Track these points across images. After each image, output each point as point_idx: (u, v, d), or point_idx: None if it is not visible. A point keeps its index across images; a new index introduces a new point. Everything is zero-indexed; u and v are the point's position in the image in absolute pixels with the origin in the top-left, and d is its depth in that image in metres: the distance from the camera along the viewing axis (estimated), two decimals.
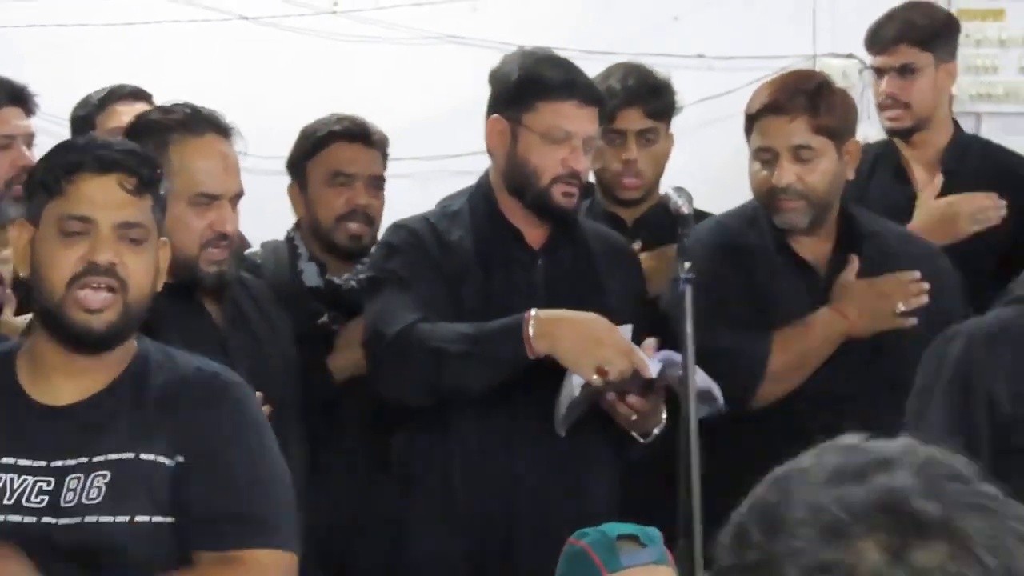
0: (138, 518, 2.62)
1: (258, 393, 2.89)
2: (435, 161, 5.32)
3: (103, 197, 2.64)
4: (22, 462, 2.63)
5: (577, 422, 3.40)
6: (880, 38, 4.26)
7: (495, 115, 3.56)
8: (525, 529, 3.43)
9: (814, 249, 3.64)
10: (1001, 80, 5.69)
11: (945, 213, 4.01)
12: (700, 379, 3.28)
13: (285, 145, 4.06)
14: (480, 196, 3.61)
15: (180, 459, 2.65)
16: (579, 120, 3.49)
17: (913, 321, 3.52)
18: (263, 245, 4.02)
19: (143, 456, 2.64)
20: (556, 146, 3.49)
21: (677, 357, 3.24)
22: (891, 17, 4.31)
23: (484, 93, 3.61)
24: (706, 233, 3.63)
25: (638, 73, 4.10)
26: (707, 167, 4.88)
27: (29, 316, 3.09)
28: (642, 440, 3.42)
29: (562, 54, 3.73)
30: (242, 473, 2.70)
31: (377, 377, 3.48)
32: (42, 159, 2.76)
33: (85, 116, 4.29)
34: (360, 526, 3.73)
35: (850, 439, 1.22)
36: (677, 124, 4.19)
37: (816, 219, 3.58)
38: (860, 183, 3.99)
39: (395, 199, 4.05)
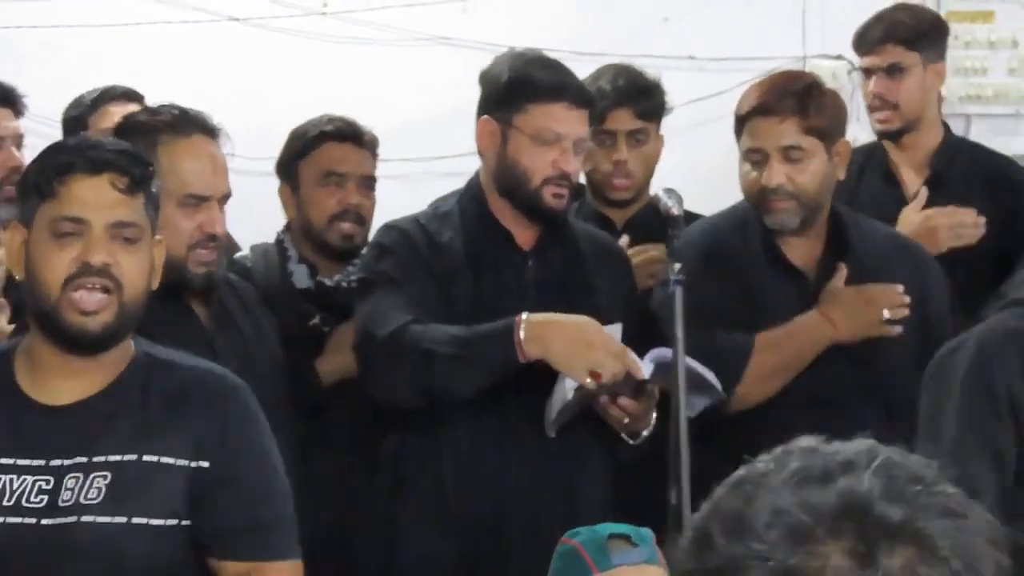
0: (135, 520, 2.62)
1: None
2: (425, 162, 5.32)
3: (95, 198, 2.64)
4: (21, 462, 2.63)
5: (567, 424, 3.41)
6: (868, 38, 4.27)
7: (485, 116, 3.56)
8: (516, 530, 3.43)
9: (803, 251, 3.64)
10: (990, 82, 5.70)
11: (923, 226, 4.01)
12: (697, 369, 3.28)
13: (275, 146, 4.06)
14: (470, 197, 3.62)
15: (204, 464, 2.66)
16: (569, 122, 3.49)
17: (898, 330, 3.52)
18: (252, 248, 4.01)
19: (146, 458, 2.64)
20: (546, 147, 3.49)
21: (668, 353, 3.24)
22: (879, 18, 4.32)
23: (474, 94, 3.61)
24: (696, 235, 3.64)
25: (628, 74, 4.11)
26: (697, 168, 4.89)
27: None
28: (631, 442, 3.43)
29: (553, 55, 3.73)
30: (261, 482, 2.73)
31: (368, 378, 3.48)
32: (34, 161, 2.75)
33: (77, 117, 4.29)
34: (352, 528, 3.73)
35: (808, 441, 1.21)
36: (667, 125, 4.19)
37: (806, 219, 3.59)
38: (849, 185, 4.00)
39: (385, 200, 4.05)
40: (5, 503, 2.61)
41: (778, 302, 3.61)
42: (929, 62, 4.25)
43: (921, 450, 2.94)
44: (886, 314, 3.53)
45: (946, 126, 4.40)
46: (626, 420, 3.37)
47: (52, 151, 2.75)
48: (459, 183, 3.74)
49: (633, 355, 3.30)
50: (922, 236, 3.97)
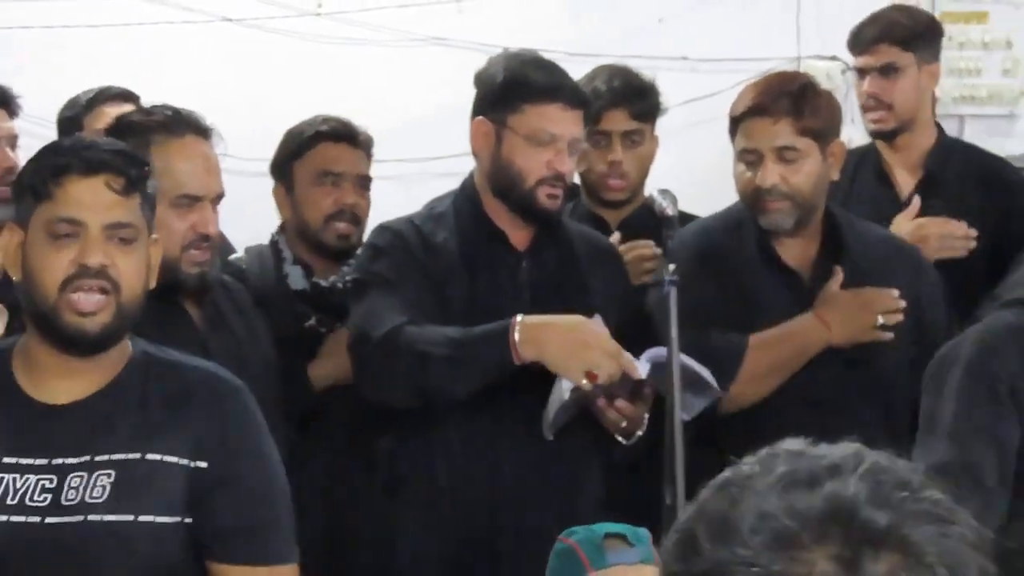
0: (142, 518, 2.62)
1: None
2: (420, 163, 5.32)
3: (91, 199, 2.64)
4: (24, 461, 2.63)
5: (565, 426, 3.41)
6: (862, 38, 4.27)
7: (480, 117, 3.56)
8: (511, 531, 3.43)
9: (799, 253, 3.64)
10: (984, 83, 5.70)
11: (915, 235, 4.00)
12: (694, 368, 3.28)
13: (269, 147, 4.06)
14: (465, 198, 3.61)
15: (203, 464, 2.66)
16: (564, 123, 3.49)
17: (890, 335, 3.52)
18: (247, 250, 4.01)
19: (149, 456, 2.65)
20: (541, 148, 3.49)
21: (664, 353, 3.24)
22: (874, 18, 4.32)
23: (469, 95, 3.61)
24: (690, 236, 3.63)
25: (623, 75, 4.11)
26: (692, 169, 4.89)
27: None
28: (625, 442, 3.43)
29: (547, 56, 3.73)
30: (260, 483, 2.74)
31: (363, 379, 3.48)
32: (29, 162, 2.75)
33: (73, 117, 4.29)
34: (347, 528, 3.73)
35: (794, 443, 1.21)
36: (662, 126, 4.19)
37: (801, 220, 3.59)
38: (843, 186, 4.00)
39: (379, 201, 4.05)
40: (9, 502, 2.61)
41: (773, 303, 3.61)
42: (923, 63, 4.26)
43: (921, 443, 2.93)
44: (880, 319, 3.53)
45: (940, 127, 4.40)
46: (624, 423, 3.37)
47: (47, 152, 2.74)
48: (453, 183, 3.74)
49: (629, 355, 3.30)
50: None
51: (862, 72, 4.28)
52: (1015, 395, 2.93)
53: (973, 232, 4.04)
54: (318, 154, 3.94)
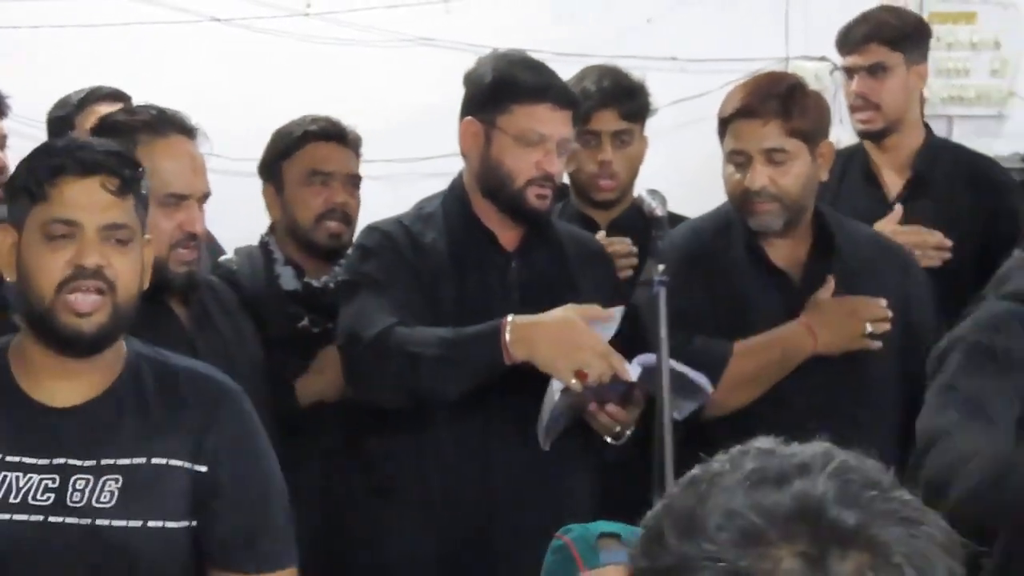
0: (151, 523, 2.63)
1: None
2: (408, 163, 5.32)
3: (87, 200, 2.64)
4: (27, 460, 2.62)
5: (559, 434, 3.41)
6: (851, 38, 4.28)
7: (469, 117, 3.56)
8: (502, 531, 3.43)
9: (788, 253, 3.64)
10: (972, 83, 5.72)
11: None
12: (684, 372, 3.28)
13: (258, 147, 4.06)
14: (454, 198, 3.61)
15: (203, 469, 2.67)
16: (553, 123, 3.49)
17: (878, 344, 3.52)
18: (237, 251, 4.01)
19: (155, 460, 2.65)
20: (530, 149, 3.49)
21: (655, 358, 3.24)
22: (863, 18, 4.33)
23: (458, 95, 3.61)
24: (678, 238, 3.63)
25: (613, 75, 4.11)
26: (681, 169, 4.90)
27: None
28: (615, 442, 3.43)
29: (536, 56, 3.73)
30: (258, 485, 2.75)
31: (354, 380, 3.48)
32: (22, 163, 2.74)
33: (64, 117, 4.29)
34: (338, 530, 3.73)
35: (764, 442, 1.21)
36: (651, 126, 4.20)
37: (790, 221, 3.59)
38: (831, 187, 4.00)
39: (368, 201, 4.05)
40: (11, 500, 2.60)
41: (762, 304, 3.60)
42: (912, 63, 4.27)
43: (925, 415, 2.93)
44: (868, 328, 3.52)
45: (928, 127, 4.41)
46: (617, 429, 3.38)
47: (41, 153, 2.74)
48: (442, 184, 3.74)
49: (620, 357, 3.29)
50: None
51: (850, 72, 4.29)
52: (1017, 367, 2.92)
53: (948, 242, 4.03)
54: (307, 154, 3.94)
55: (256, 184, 4.03)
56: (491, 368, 3.32)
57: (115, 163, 2.66)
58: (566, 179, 3.97)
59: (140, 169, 2.71)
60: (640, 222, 3.61)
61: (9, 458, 2.62)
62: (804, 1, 5.61)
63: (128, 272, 2.66)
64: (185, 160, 3.24)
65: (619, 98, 4.06)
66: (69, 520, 2.60)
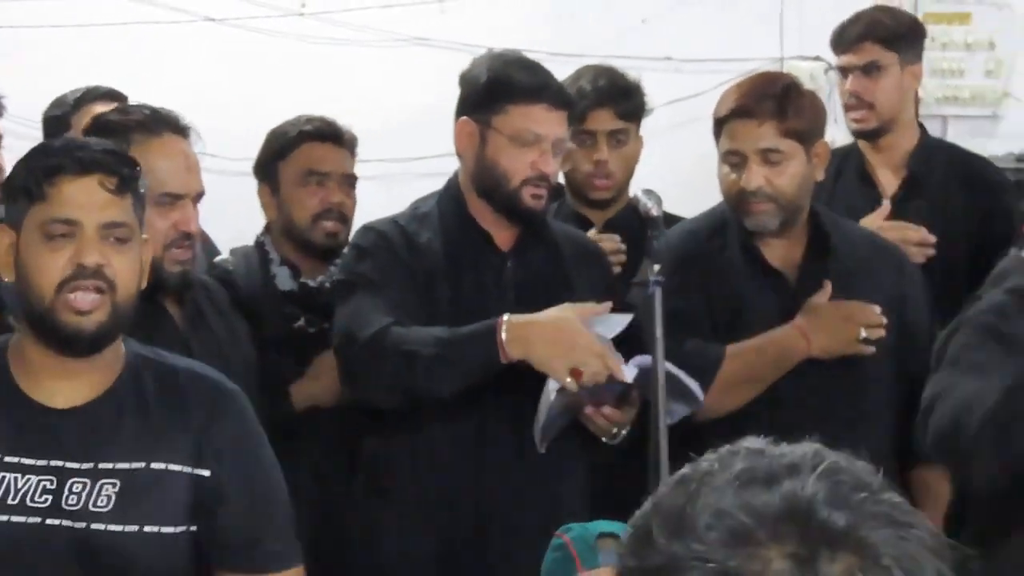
0: (147, 528, 2.62)
1: None
2: (403, 163, 5.32)
3: (86, 198, 2.63)
4: (26, 461, 2.62)
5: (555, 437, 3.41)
6: (846, 37, 4.28)
7: (464, 117, 3.56)
8: (497, 531, 3.43)
9: (783, 253, 3.64)
10: (967, 83, 5.72)
11: None
12: (679, 376, 3.28)
13: (253, 147, 4.06)
14: (449, 198, 3.61)
15: (204, 473, 2.67)
16: (548, 123, 3.49)
17: (871, 349, 3.52)
18: (232, 252, 4.00)
19: (154, 465, 2.65)
20: (525, 149, 3.49)
21: (650, 360, 3.24)
22: (858, 17, 4.34)
23: (453, 95, 3.61)
24: (675, 240, 3.62)
25: (609, 75, 4.12)
26: (676, 169, 4.90)
27: None
28: (609, 442, 3.43)
29: (531, 56, 3.73)
30: (263, 490, 2.75)
31: (349, 380, 3.47)
32: (19, 163, 2.73)
33: (60, 116, 4.28)
34: (334, 529, 3.72)
35: (753, 442, 1.20)
36: (646, 126, 4.20)
37: (786, 221, 3.59)
38: (827, 186, 4.00)
39: (362, 201, 4.05)
40: (10, 502, 2.60)
41: (758, 304, 3.60)
42: (906, 63, 4.27)
43: (929, 386, 2.95)
44: (862, 332, 3.52)
45: (922, 127, 4.41)
46: (614, 430, 3.38)
47: (39, 153, 2.73)
48: (437, 184, 3.73)
49: (615, 358, 3.29)
50: None
51: (845, 71, 4.29)
52: (1020, 351, 2.92)
53: (931, 238, 4.03)
54: (303, 154, 3.94)
55: (251, 184, 4.03)
56: (487, 367, 3.32)
57: (113, 162, 2.66)
58: (561, 179, 3.97)
59: (137, 168, 2.71)
60: (636, 222, 3.61)
61: (8, 458, 2.61)
62: (798, 1, 5.62)
63: (127, 271, 2.65)
64: (179, 159, 3.24)
65: (615, 98, 4.06)
66: (65, 523, 2.60)
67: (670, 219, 3.71)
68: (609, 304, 3.40)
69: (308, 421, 3.74)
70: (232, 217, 4.11)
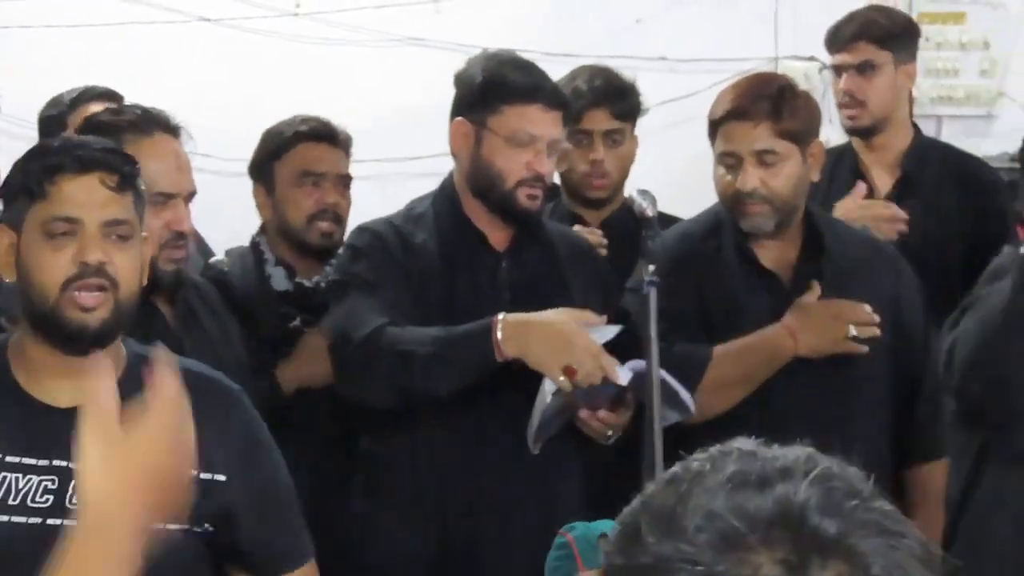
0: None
1: None
2: (398, 163, 5.32)
3: (87, 197, 2.63)
4: (27, 461, 2.61)
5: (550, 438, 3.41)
6: (840, 36, 4.29)
7: (459, 118, 3.56)
8: (492, 531, 3.43)
9: (778, 254, 3.63)
10: (962, 83, 5.73)
11: (843, 219, 3.99)
12: (673, 385, 3.28)
13: (248, 147, 4.05)
14: (444, 199, 3.61)
15: (212, 476, 2.65)
16: (544, 123, 3.49)
17: (863, 348, 3.51)
18: (228, 252, 4.00)
19: None
20: (520, 149, 3.49)
21: (644, 363, 3.24)
22: (852, 16, 4.35)
23: (448, 95, 3.61)
24: (670, 242, 3.61)
25: (605, 74, 4.12)
26: (671, 170, 4.90)
27: None
28: (604, 443, 3.43)
29: (525, 56, 3.73)
30: (274, 490, 2.77)
31: (344, 380, 3.47)
32: (18, 163, 2.73)
33: (56, 116, 4.28)
34: (329, 529, 3.72)
35: (746, 443, 1.19)
36: (640, 126, 4.20)
37: (781, 223, 3.58)
38: (821, 186, 4.00)
39: (357, 201, 4.05)
40: (11, 502, 2.59)
41: (752, 306, 3.60)
42: (900, 63, 4.27)
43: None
44: (852, 331, 3.51)
45: (916, 127, 4.41)
46: (609, 433, 3.38)
47: (38, 152, 2.73)
48: (432, 184, 3.73)
49: (611, 359, 3.29)
50: None
51: (839, 70, 4.30)
52: None
53: (903, 215, 4.02)
54: (298, 154, 3.93)
55: (246, 184, 4.02)
56: (483, 366, 3.32)
57: (113, 160, 2.67)
58: (557, 179, 3.97)
59: (137, 166, 2.72)
60: (630, 222, 3.61)
61: (9, 458, 2.61)
62: (793, 1, 5.62)
63: (129, 268, 2.66)
64: (171, 159, 3.25)
65: (611, 97, 4.07)
66: (68, 523, 2.59)
67: (665, 219, 3.71)
68: (604, 317, 3.40)
69: (304, 420, 3.74)
70: (227, 217, 4.10)
